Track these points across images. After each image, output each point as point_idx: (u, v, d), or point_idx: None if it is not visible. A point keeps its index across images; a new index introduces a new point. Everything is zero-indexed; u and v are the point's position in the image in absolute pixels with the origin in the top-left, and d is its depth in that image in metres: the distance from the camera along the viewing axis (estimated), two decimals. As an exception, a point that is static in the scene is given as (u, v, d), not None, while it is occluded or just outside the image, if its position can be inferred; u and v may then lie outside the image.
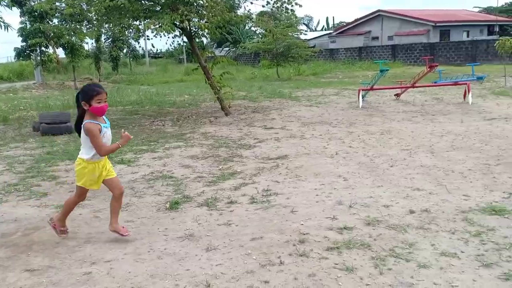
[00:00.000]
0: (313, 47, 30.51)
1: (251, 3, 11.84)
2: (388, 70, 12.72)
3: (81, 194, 3.89)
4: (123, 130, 3.87)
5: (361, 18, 38.28)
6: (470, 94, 11.52)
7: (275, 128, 9.35)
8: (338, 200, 4.72)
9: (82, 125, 3.65)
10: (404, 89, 12.89)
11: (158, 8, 11.01)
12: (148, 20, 10.54)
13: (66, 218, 3.98)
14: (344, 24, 44.26)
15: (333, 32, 43.11)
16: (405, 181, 5.38)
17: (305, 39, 31.56)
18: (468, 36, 34.79)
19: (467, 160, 6.13)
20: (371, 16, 37.17)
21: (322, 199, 4.80)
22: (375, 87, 12.78)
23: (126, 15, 10.74)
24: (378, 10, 36.66)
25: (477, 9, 44.41)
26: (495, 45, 15.85)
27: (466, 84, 11.81)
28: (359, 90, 12.34)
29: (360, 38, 37.21)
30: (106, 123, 3.75)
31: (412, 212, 4.34)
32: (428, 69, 11.81)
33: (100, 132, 3.61)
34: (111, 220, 3.86)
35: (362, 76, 22.65)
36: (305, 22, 67.14)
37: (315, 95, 15.32)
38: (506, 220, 4.03)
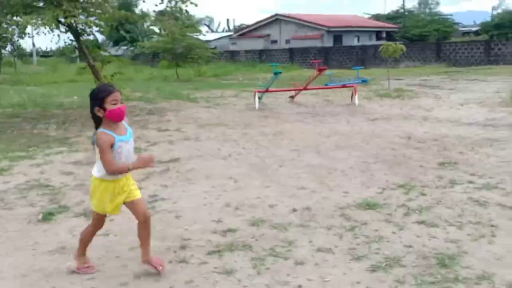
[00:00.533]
0: (214, 48, 30.60)
1: (144, 1, 11.49)
2: (281, 72, 13.15)
3: (97, 221, 3.21)
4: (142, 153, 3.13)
5: (260, 21, 39.19)
6: (356, 96, 12.31)
7: (170, 130, 9.15)
8: (226, 202, 4.72)
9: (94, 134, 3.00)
10: (297, 91, 13.40)
11: (41, 4, 10.26)
12: (29, 15, 9.75)
13: (85, 252, 3.30)
14: (245, 26, 45.01)
15: (233, 34, 43.64)
16: (291, 180, 5.55)
17: (206, 40, 31.49)
18: (358, 41, 37.30)
19: (349, 159, 6.50)
20: (269, 20, 38.22)
21: (210, 202, 4.76)
22: (271, 89, 13.12)
23: (4, 10, 9.85)
24: (276, 14, 37.82)
25: (367, 16, 47.79)
26: (379, 49, 17.11)
27: (353, 86, 12.61)
28: (255, 92, 12.58)
29: (260, 41, 38.10)
30: (126, 134, 3.09)
31: (294, 210, 4.48)
32: (318, 72, 12.42)
33: (113, 146, 2.96)
34: (142, 251, 3.24)
35: (262, 78, 23.16)
36: (206, 23, 67.20)
37: (214, 96, 15.32)
38: (378, 214, 4.32)
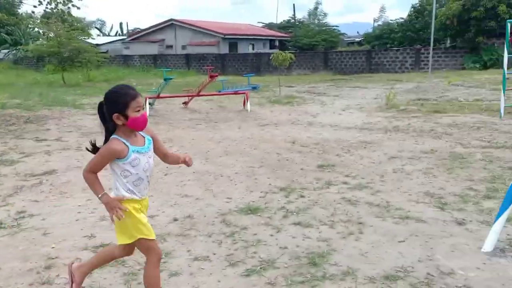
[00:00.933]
0: (106, 52, 29.22)
1: (21, 2, 10.56)
2: (171, 78, 12.99)
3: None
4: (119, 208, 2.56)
5: (154, 26, 38.30)
6: (248, 102, 12.57)
7: (48, 140, 8.49)
8: (101, 216, 4.46)
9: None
10: (191, 97, 13.31)
11: None
12: None
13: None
14: (139, 30, 43.69)
15: (127, 38, 42.16)
16: (176, 188, 5.46)
17: (97, 44, 29.93)
18: (253, 48, 38.23)
19: (236, 164, 6.58)
20: (164, 25, 37.52)
21: (84, 217, 4.47)
22: (162, 95, 12.87)
23: None
24: (171, 19, 37.24)
25: (260, 25, 49.15)
26: (270, 57, 17.65)
27: (245, 93, 12.86)
28: (145, 98, 12.22)
29: (154, 46, 37.23)
30: (144, 144, 2.65)
31: (175, 220, 4.39)
32: (210, 79, 12.47)
33: (125, 158, 2.54)
34: (89, 263, 2.91)
35: (156, 84, 22.64)
36: (97, 26, 64.05)
37: (103, 103, 14.60)
38: (258, 218, 4.40)
